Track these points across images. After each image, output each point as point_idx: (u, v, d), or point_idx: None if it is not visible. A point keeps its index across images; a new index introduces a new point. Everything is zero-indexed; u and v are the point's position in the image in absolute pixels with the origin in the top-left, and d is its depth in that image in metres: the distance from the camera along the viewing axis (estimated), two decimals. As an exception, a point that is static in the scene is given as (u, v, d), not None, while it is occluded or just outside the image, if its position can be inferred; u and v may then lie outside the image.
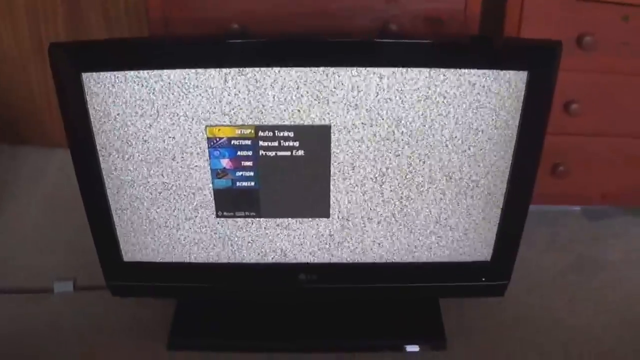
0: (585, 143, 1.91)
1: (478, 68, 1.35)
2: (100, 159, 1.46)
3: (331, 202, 1.52)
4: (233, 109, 1.39)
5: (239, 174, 1.48)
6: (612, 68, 1.78)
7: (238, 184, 1.49)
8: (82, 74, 1.36)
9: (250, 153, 1.45)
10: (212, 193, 1.51)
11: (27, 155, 2.52)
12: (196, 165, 1.46)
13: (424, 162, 1.46)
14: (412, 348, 1.76)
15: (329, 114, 1.40)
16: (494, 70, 1.35)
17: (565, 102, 1.82)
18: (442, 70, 1.34)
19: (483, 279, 1.65)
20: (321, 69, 1.35)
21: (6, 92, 2.48)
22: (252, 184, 1.49)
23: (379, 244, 1.59)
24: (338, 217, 1.54)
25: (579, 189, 2.00)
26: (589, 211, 2.24)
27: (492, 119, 1.40)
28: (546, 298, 1.93)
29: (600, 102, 1.83)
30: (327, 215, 1.54)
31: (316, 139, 1.43)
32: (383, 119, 1.40)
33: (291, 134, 1.42)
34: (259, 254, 1.60)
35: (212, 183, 1.49)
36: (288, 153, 1.44)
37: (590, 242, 2.14)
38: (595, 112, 1.84)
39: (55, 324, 1.84)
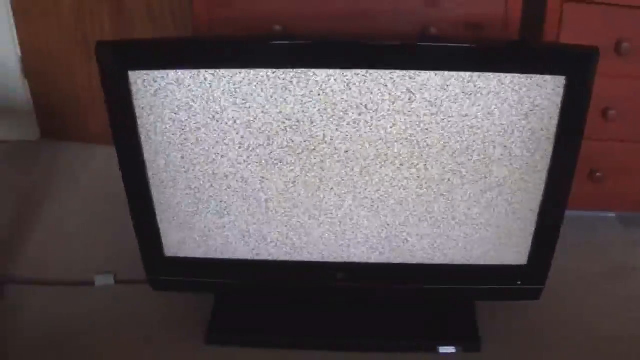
0: (622, 149, 1.92)
1: (517, 72, 1.36)
2: (145, 155, 1.49)
3: (371, 203, 1.54)
4: (275, 108, 1.42)
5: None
6: (650, 74, 1.79)
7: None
8: (129, 71, 1.40)
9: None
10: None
11: (70, 151, 2.57)
12: (241, 163, 1.49)
13: (462, 165, 1.47)
14: (447, 349, 1.76)
15: (368, 115, 1.42)
16: (533, 75, 1.36)
17: (602, 108, 1.82)
18: (482, 74, 1.36)
19: (519, 283, 1.66)
20: (363, 71, 1.37)
21: (51, 88, 2.53)
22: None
23: (418, 245, 1.60)
24: (377, 218, 1.56)
25: (615, 195, 2.00)
26: (624, 217, 2.24)
27: (531, 123, 1.41)
28: (580, 303, 1.93)
29: (638, 109, 1.84)
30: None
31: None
32: (424, 121, 1.42)
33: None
34: (298, 252, 1.62)
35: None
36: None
37: (624, 248, 2.13)
38: (633, 118, 1.84)
39: (95, 316, 1.88)
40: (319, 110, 1.41)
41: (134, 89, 1.41)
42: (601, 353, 1.79)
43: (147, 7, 2.30)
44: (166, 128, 1.45)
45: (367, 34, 1.70)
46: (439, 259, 1.62)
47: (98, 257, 2.06)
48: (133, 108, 1.43)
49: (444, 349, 1.76)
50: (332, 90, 1.39)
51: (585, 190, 1.95)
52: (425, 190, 1.51)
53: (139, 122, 1.45)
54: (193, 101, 1.42)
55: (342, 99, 1.40)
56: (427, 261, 1.63)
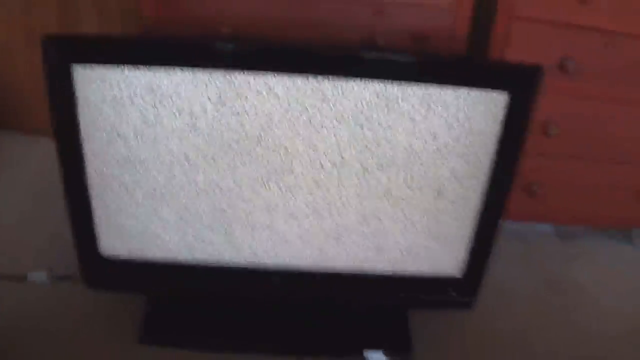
0: (561, 165, 1.94)
1: (461, 86, 1.37)
2: (84, 151, 1.47)
3: (306, 209, 1.54)
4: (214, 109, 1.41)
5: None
6: (592, 93, 1.82)
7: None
8: (73, 65, 1.38)
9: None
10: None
11: (9, 141, 2.52)
12: (179, 164, 1.48)
13: (400, 176, 1.48)
14: (376, 355, 1.76)
15: (312, 123, 1.42)
16: (476, 89, 1.38)
17: (544, 125, 1.84)
18: (424, 85, 1.37)
19: (453, 293, 1.67)
20: (303, 77, 1.37)
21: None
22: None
23: (352, 253, 1.61)
24: (315, 225, 1.56)
25: (552, 209, 2.03)
26: (561, 230, 2.27)
27: (470, 136, 1.43)
28: (515, 314, 1.95)
29: (579, 126, 1.87)
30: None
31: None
32: (363, 131, 1.42)
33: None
34: (233, 255, 1.62)
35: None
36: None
37: (560, 261, 2.17)
38: (573, 135, 1.87)
39: (26, 312, 1.85)
40: (259, 113, 1.41)
41: (76, 83, 1.39)
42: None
43: (95, 2, 2.27)
44: (107, 124, 1.44)
45: (315, 41, 1.70)
46: (374, 267, 1.63)
47: (32, 252, 2.02)
48: (75, 102, 1.41)
49: (373, 355, 1.76)
50: (275, 95, 1.39)
51: (523, 203, 1.98)
52: (364, 199, 1.52)
53: (80, 117, 1.43)
54: (135, 98, 1.40)
55: (285, 104, 1.40)
56: (362, 269, 1.63)
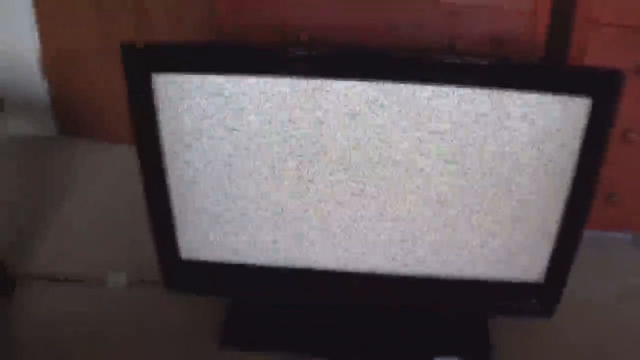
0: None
1: (542, 92, 1.36)
2: (165, 157, 1.50)
3: (386, 213, 1.54)
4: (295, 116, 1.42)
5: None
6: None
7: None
8: (153, 74, 1.40)
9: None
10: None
11: (86, 149, 2.57)
12: (259, 172, 1.49)
13: (483, 181, 1.47)
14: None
15: (391, 130, 1.42)
16: (558, 95, 1.36)
17: (622, 131, 1.82)
18: (506, 91, 1.36)
19: (534, 300, 1.66)
20: (387, 83, 1.37)
21: (69, 86, 2.55)
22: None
23: (434, 258, 1.60)
24: (395, 229, 1.56)
25: (631, 216, 2.00)
26: (639, 239, 2.23)
27: (553, 143, 1.41)
28: (592, 324, 1.92)
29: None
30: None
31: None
32: (444, 138, 1.42)
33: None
34: (314, 260, 1.62)
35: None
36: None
37: (638, 270, 2.13)
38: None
39: (106, 316, 1.88)
40: (339, 121, 1.41)
41: (156, 91, 1.42)
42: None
43: (168, 11, 2.31)
44: (187, 132, 1.46)
45: (391, 47, 1.70)
46: (456, 273, 1.62)
47: (112, 257, 2.06)
48: (155, 111, 1.44)
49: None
50: (356, 102, 1.39)
51: (601, 210, 1.94)
52: (446, 204, 1.51)
53: (161, 125, 1.46)
54: (215, 106, 1.42)
55: (365, 110, 1.40)
56: (444, 275, 1.63)
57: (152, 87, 1.41)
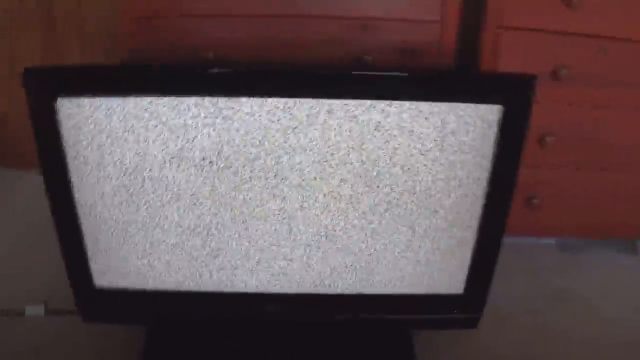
0: (560, 176, 1.92)
1: (452, 101, 1.35)
2: (73, 185, 1.45)
3: (298, 232, 1.52)
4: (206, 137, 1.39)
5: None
6: (588, 101, 1.80)
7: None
8: (58, 98, 1.36)
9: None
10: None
11: (1, 177, 2.51)
12: (170, 193, 1.46)
13: (396, 193, 1.45)
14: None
15: (302, 145, 1.40)
16: (468, 104, 1.35)
17: (539, 135, 1.82)
18: (416, 103, 1.35)
19: (455, 311, 1.64)
20: (296, 99, 1.35)
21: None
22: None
23: (352, 274, 1.58)
24: (310, 248, 1.54)
25: (553, 221, 2.01)
26: (563, 243, 2.25)
27: (466, 151, 1.41)
28: (519, 329, 1.92)
29: (575, 136, 1.85)
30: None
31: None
32: (356, 151, 1.40)
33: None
34: (227, 283, 1.59)
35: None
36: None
37: (564, 274, 2.14)
38: (569, 144, 1.85)
39: (24, 347, 1.82)
40: (250, 140, 1.39)
41: (61, 115, 1.37)
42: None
43: (79, 31, 2.27)
44: (95, 157, 1.42)
45: (302, 63, 1.68)
46: (373, 288, 1.60)
47: (28, 287, 2.00)
48: (60, 136, 1.40)
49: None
50: (267, 119, 1.37)
51: (523, 216, 1.96)
52: (360, 219, 1.49)
53: (67, 150, 1.41)
54: (123, 129, 1.38)
55: (277, 128, 1.38)
56: (361, 291, 1.61)
57: (57, 111, 1.37)
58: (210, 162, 1.41)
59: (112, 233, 1.52)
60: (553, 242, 2.25)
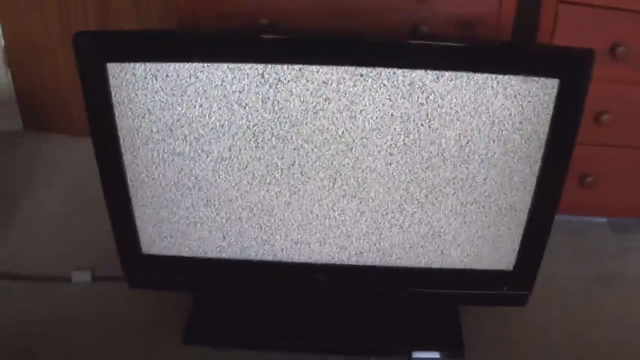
0: (615, 155, 1.89)
1: (509, 74, 1.33)
2: (122, 150, 1.46)
3: (355, 203, 1.51)
4: (257, 105, 1.38)
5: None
6: (645, 80, 1.76)
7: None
8: (107, 64, 1.36)
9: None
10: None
11: (52, 142, 2.53)
12: (221, 161, 1.46)
13: (450, 167, 1.44)
14: (430, 355, 1.72)
15: (356, 114, 1.38)
16: (525, 77, 1.33)
17: (596, 113, 1.79)
18: (473, 74, 1.32)
19: (505, 288, 1.62)
20: (351, 68, 1.33)
21: (34, 79, 2.51)
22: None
23: (402, 247, 1.57)
24: (361, 219, 1.53)
25: (606, 201, 1.98)
26: (615, 223, 2.21)
27: (521, 126, 1.38)
28: (568, 310, 1.90)
29: (632, 114, 1.81)
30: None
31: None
32: (413, 122, 1.38)
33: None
34: (278, 252, 1.59)
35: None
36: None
37: (615, 254, 2.11)
38: (626, 123, 1.82)
39: (71, 313, 1.84)
40: (304, 108, 1.38)
41: (111, 81, 1.37)
42: (588, 361, 1.77)
43: (132, 2, 2.28)
44: (145, 122, 1.42)
45: (357, 31, 1.67)
46: (424, 262, 1.59)
47: (76, 253, 2.02)
48: (111, 101, 1.40)
49: (425, 354, 1.72)
50: (323, 87, 1.35)
51: (576, 195, 1.93)
52: (411, 192, 1.48)
53: (117, 116, 1.41)
54: (173, 95, 1.38)
55: (332, 95, 1.36)
56: (411, 264, 1.59)
57: (107, 76, 1.37)
58: (263, 130, 1.40)
59: (161, 199, 1.52)
60: (605, 221, 2.22)
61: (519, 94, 1.34)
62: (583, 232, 2.17)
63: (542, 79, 1.33)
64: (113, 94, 1.39)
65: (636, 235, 2.18)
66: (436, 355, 1.72)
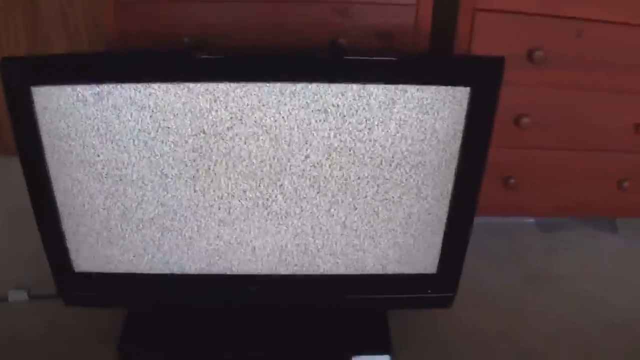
0: (537, 156, 1.93)
1: (422, 84, 1.37)
2: (50, 172, 1.47)
3: (280, 215, 1.53)
4: (180, 125, 1.41)
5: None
6: (563, 83, 1.81)
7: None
8: (32, 87, 1.38)
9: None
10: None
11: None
12: (148, 178, 1.47)
13: (368, 176, 1.47)
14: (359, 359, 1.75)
15: (279, 129, 1.41)
16: (438, 87, 1.37)
17: (516, 116, 1.83)
18: (385, 86, 1.36)
19: (429, 291, 1.66)
20: (272, 84, 1.36)
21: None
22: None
23: (327, 256, 1.60)
24: (288, 230, 1.55)
25: (532, 201, 2.02)
26: (543, 223, 2.26)
27: (437, 133, 1.42)
28: (497, 310, 1.94)
29: (551, 116, 1.85)
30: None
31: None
32: (331, 134, 1.42)
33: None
34: (209, 265, 1.61)
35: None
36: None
37: (543, 253, 2.16)
38: (546, 125, 1.86)
39: (8, 332, 1.84)
40: (226, 123, 1.41)
41: (37, 104, 1.39)
42: None
43: (63, 21, 2.27)
44: (71, 144, 1.43)
45: (277, 46, 1.69)
46: (349, 269, 1.62)
47: (11, 272, 2.02)
48: (37, 124, 1.41)
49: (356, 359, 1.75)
50: (242, 103, 1.38)
51: (502, 197, 1.96)
52: (334, 201, 1.51)
53: (44, 138, 1.43)
54: (97, 116, 1.40)
55: (251, 111, 1.39)
56: (337, 272, 1.62)
57: (32, 100, 1.39)
58: (187, 145, 1.43)
59: (89, 219, 1.53)
60: (533, 222, 2.26)
61: (433, 103, 1.38)
62: (511, 232, 2.21)
63: (453, 87, 1.37)
64: (39, 117, 1.40)
65: (562, 234, 2.23)
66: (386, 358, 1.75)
